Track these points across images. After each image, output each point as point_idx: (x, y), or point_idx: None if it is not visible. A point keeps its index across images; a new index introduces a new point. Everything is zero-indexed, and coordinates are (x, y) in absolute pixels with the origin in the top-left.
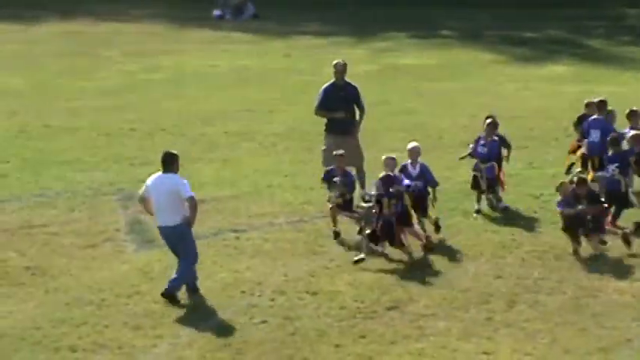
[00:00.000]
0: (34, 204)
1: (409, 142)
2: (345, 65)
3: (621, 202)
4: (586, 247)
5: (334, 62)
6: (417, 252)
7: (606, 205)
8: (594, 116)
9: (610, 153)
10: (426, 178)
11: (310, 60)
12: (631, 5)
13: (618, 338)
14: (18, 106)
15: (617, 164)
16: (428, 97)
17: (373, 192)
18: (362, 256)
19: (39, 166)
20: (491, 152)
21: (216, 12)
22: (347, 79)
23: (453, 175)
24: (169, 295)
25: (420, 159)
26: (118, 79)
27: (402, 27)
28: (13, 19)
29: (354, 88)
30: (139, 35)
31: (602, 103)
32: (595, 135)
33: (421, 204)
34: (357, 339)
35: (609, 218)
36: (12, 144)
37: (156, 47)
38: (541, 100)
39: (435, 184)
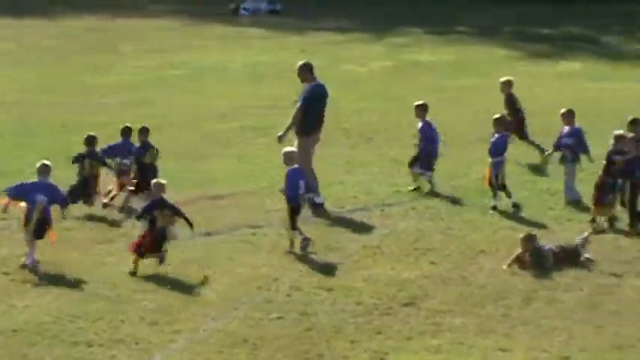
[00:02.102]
0: None
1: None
2: (299, 67)
3: None
4: (598, 249)
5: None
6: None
7: None
8: None
9: None
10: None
11: (326, 56)
12: None
13: (634, 336)
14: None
15: None
16: (444, 94)
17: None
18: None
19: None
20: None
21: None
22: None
23: (469, 171)
24: None
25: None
26: (136, 74)
27: (418, 23)
28: (37, 14)
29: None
30: (157, 31)
31: None
32: None
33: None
34: (373, 335)
35: None
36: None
37: (173, 43)
38: (556, 96)
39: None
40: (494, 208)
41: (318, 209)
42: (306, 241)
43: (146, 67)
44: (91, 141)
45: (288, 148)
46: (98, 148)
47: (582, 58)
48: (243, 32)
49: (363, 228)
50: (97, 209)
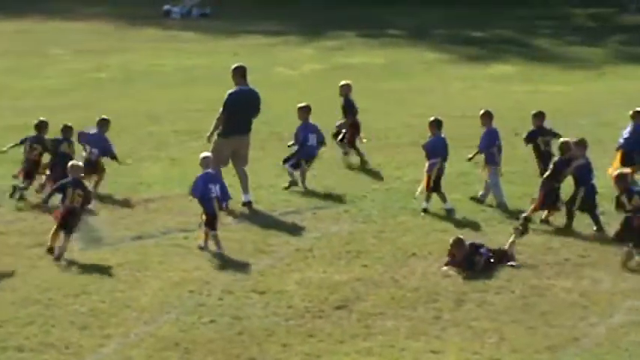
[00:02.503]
0: None
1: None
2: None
3: None
4: (529, 251)
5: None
6: None
7: None
8: None
9: None
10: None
11: (258, 59)
12: (577, 5)
13: (566, 337)
14: None
15: None
16: (376, 97)
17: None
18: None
19: None
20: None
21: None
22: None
23: (401, 174)
24: None
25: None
26: (66, 77)
27: (350, 26)
28: None
29: None
30: (88, 33)
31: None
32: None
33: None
34: (305, 338)
35: None
36: None
37: (104, 45)
38: (488, 99)
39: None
40: (424, 210)
41: (247, 207)
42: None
43: (76, 70)
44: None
45: (203, 154)
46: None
47: (513, 60)
48: (174, 36)
49: (295, 231)
50: (30, 213)
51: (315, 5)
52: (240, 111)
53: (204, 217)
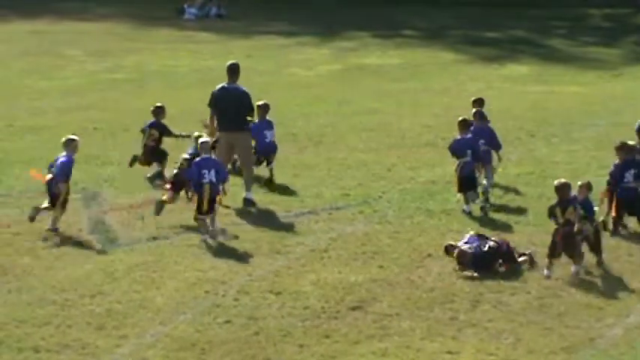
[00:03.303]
0: None
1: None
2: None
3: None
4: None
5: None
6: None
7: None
8: None
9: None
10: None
11: (272, 60)
12: (593, 6)
13: (582, 338)
14: None
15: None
16: (391, 97)
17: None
18: None
19: (2, 165)
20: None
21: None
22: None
23: (416, 175)
24: None
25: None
26: (82, 78)
27: (365, 27)
28: None
29: None
30: (104, 34)
31: None
32: None
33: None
34: (320, 339)
35: None
36: None
37: (120, 46)
38: (503, 100)
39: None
40: (468, 212)
41: (247, 204)
42: (213, 232)
43: (91, 70)
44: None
45: (202, 139)
46: None
47: (528, 61)
48: (190, 36)
49: (310, 232)
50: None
51: (327, 6)
52: (224, 108)
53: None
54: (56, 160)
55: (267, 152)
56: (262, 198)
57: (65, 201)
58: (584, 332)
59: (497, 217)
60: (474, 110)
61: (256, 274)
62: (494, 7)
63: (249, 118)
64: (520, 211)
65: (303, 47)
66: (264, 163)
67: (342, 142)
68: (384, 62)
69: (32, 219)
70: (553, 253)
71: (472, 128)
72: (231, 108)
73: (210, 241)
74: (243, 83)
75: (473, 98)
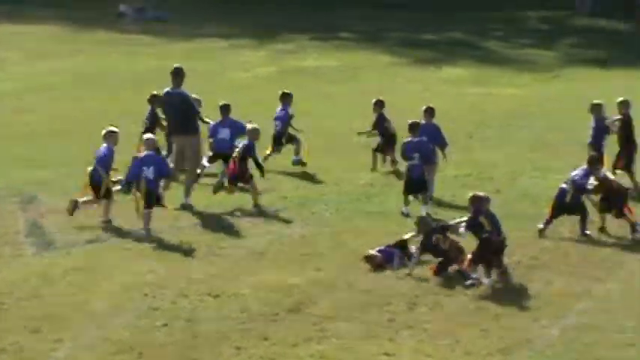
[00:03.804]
0: None
1: None
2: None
3: None
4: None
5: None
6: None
7: None
8: None
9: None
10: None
11: (211, 62)
12: (530, 8)
13: (519, 339)
14: None
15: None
16: (328, 100)
17: None
18: None
19: None
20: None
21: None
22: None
23: (354, 177)
24: None
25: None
26: (18, 81)
27: (302, 29)
28: None
29: None
30: (41, 37)
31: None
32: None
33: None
34: (258, 341)
35: None
36: None
37: (57, 49)
38: (441, 102)
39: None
40: (406, 214)
41: (186, 209)
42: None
43: (28, 73)
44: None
45: (146, 135)
46: None
47: (466, 63)
48: (128, 39)
49: (249, 234)
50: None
51: (266, 9)
52: (170, 112)
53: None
54: (97, 152)
55: (222, 149)
56: (201, 201)
57: (109, 190)
58: (520, 333)
59: (436, 218)
60: (423, 108)
61: (194, 277)
62: (431, 9)
63: (207, 120)
64: (458, 212)
65: (240, 50)
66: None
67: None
68: (322, 64)
69: (71, 211)
70: (486, 261)
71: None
72: (177, 112)
73: (146, 239)
74: (184, 85)
75: (374, 100)
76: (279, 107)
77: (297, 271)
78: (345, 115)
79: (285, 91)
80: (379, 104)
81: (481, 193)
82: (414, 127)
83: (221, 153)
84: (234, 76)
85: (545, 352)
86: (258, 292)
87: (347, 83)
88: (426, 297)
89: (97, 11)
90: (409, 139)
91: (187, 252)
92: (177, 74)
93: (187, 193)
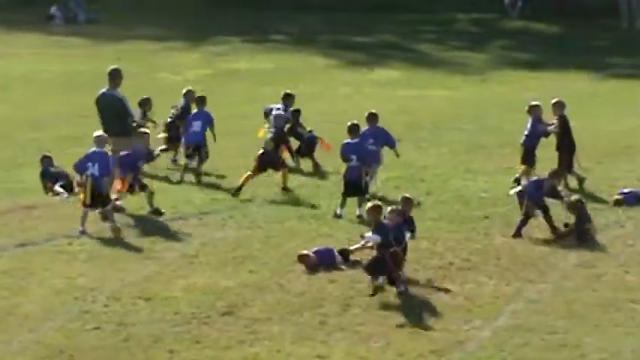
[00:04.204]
0: None
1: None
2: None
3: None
4: (412, 257)
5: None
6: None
7: None
8: None
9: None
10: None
11: (142, 64)
12: (460, 10)
13: (451, 341)
14: None
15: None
16: (261, 102)
17: None
18: None
19: None
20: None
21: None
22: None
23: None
24: None
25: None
26: None
27: (235, 32)
28: None
29: None
30: None
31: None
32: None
33: None
34: (191, 344)
35: None
36: None
37: None
38: (373, 104)
39: None
40: (339, 216)
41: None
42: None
43: None
44: None
45: (95, 133)
46: None
47: (398, 65)
48: (58, 41)
49: (181, 237)
50: None
51: (197, 11)
52: (104, 114)
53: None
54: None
55: (194, 141)
56: (133, 204)
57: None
58: (453, 335)
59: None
60: (366, 114)
61: (127, 280)
62: (362, 11)
63: (149, 124)
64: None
65: (172, 52)
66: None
67: (211, 147)
68: (254, 67)
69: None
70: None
71: (365, 131)
72: (108, 114)
73: (112, 234)
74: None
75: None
76: (278, 104)
77: (229, 274)
78: None
79: (288, 91)
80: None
81: (409, 195)
82: (352, 129)
83: (193, 144)
84: (166, 78)
85: (476, 354)
86: (190, 295)
87: (279, 86)
88: (358, 299)
89: (26, 14)
90: (348, 141)
91: (120, 255)
92: (112, 75)
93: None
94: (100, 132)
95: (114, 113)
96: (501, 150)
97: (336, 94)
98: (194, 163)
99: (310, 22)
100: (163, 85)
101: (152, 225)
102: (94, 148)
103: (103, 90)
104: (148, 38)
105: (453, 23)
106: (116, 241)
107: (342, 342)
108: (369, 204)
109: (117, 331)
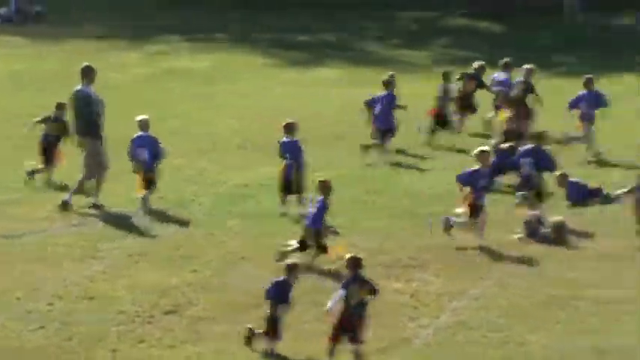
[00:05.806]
0: None
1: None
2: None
3: None
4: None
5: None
6: None
7: None
8: None
9: None
10: None
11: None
12: (402, 9)
13: (397, 338)
14: None
15: None
16: (200, 101)
17: None
18: None
19: None
20: None
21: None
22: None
23: (228, 178)
24: None
25: None
26: None
27: (176, 30)
28: None
29: None
30: None
31: None
32: None
33: None
34: (135, 343)
35: None
36: None
37: None
38: (313, 103)
39: None
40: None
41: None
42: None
43: None
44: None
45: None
46: None
47: (339, 64)
48: (4, 41)
49: (124, 235)
50: None
51: (139, 10)
52: (74, 112)
53: None
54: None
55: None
56: (77, 202)
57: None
58: (398, 332)
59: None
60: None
61: (70, 280)
62: (301, 10)
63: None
64: (332, 213)
65: (112, 51)
66: None
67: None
68: (194, 66)
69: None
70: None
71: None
72: (78, 112)
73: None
74: (55, 87)
75: None
76: None
77: (173, 273)
78: (218, 117)
79: None
80: None
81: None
82: (287, 128)
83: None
84: (109, 77)
85: (422, 351)
86: (134, 294)
87: (218, 85)
88: (304, 297)
89: None
90: (283, 139)
91: (63, 254)
92: (84, 73)
93: (72, 192)
94: (143, 116)
95: (85, 113)
96: (446, 145)
97: (275, 93)
98: None
99: (251, 21)
100: (106, 84)
101: (96, 224)
102: (140, 132)
103: (78, 86)
104: (92, 37)
105: (395, 21)
106: (59, 240)
107: (287, 340)
108: (347, 255)
109: (60, 330)
